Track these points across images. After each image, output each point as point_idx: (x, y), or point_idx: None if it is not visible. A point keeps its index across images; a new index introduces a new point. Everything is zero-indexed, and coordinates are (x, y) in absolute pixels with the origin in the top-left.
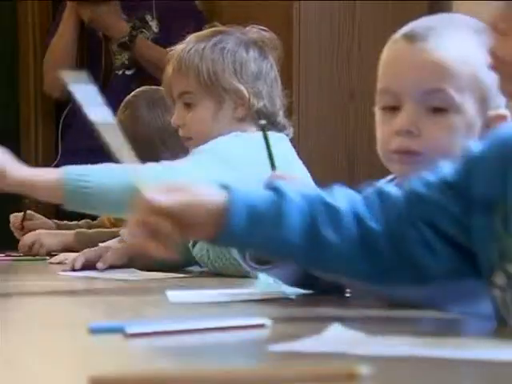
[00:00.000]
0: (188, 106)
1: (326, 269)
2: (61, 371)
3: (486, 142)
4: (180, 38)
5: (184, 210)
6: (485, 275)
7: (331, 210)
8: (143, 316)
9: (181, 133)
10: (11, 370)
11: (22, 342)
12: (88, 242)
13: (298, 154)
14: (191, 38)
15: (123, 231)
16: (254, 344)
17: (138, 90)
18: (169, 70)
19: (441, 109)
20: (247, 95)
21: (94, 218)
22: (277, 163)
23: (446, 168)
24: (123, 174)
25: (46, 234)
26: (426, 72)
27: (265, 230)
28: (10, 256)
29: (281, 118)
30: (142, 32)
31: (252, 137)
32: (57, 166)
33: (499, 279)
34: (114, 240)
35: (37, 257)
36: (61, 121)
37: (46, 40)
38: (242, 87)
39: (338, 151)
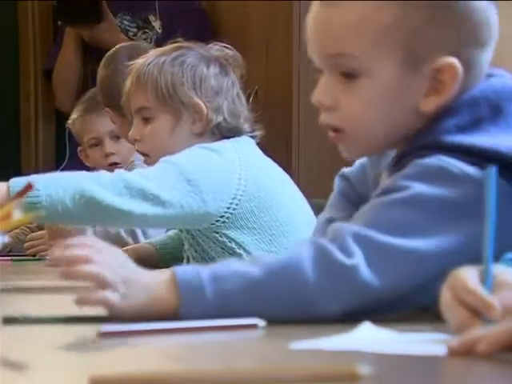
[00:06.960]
0: (146, 120)
1: None
2: (61, 371)
3: None
4: (183, 38)
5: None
6: None
7: None
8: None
9: (137, 147)
10: (10, 369)
11: (21, 342)
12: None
13: (299, 155)
14: (152, 52)
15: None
16: (254, 343)
17: (117, 46)
18: (128, 83)
19: (350, 75)
20: (205, 110)
21: None
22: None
23: None
24: (72, 182)
25: None
26: (326, 35)
27: None
28: (10, 256)
29: (245, 129)
30: (144, 32)
31: (218, 149)
32: (65, 168)
33: None
34: None
35: (37, 257)
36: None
37: (46, 64)
38: (200, 101)
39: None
